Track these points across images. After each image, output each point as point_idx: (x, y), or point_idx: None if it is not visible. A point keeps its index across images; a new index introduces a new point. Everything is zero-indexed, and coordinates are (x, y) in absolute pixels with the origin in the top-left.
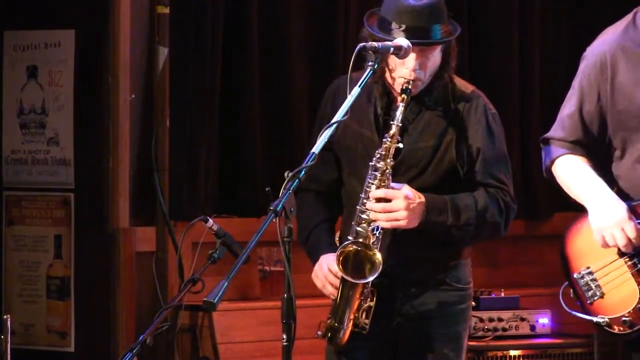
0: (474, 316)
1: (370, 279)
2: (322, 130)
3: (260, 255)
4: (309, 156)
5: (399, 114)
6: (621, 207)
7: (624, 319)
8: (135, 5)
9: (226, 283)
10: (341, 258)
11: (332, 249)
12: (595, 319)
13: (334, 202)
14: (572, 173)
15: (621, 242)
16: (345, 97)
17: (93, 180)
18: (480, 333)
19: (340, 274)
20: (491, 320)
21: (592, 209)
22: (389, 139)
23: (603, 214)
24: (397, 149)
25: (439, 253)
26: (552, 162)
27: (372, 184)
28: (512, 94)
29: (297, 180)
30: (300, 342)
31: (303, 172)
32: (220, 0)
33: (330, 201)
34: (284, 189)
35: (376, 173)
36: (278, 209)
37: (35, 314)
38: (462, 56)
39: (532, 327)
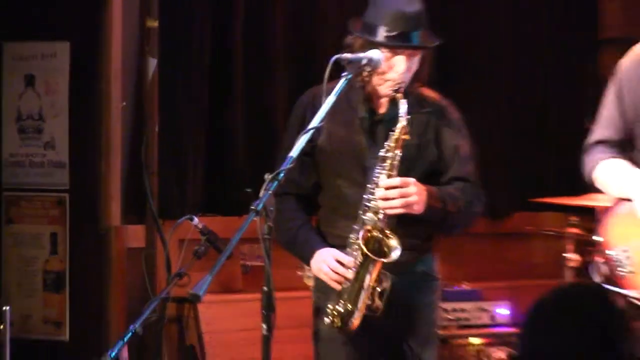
0: (440, 307)
1: (394, 257)
2: (300, 136)
3: (242, 251)
4: (287, 160)
5: (405, 108)
6: None
7: None
8: (126, 19)
9: (210, 277)
10: (364, 241)
11: (325, 244)
12: (627, 292)
13: (310, 204)
14: (615, 171)
15: None
16: (320, 107)
17: (86, 181)
18: (445, 323)
19: (354, 260)
20: (455, 310)
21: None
22: (397, 131)
23: None
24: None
25: (418, 243)
26: (594, 167)
27: (382, 173)
28: (474, 99)
29: (276, 182)
30: (279, 331)
31: (282, 175)
32: (206, 14)
33: (307, 203)
34: (264, 190)
35: (384, 164)
36: (259, 208)
37: (32, 306)
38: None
39: (492, 317)
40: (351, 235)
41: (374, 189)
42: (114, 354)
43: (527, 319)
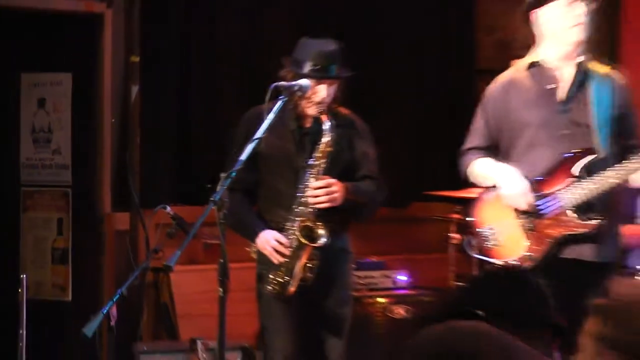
0: (353, 274)
1: (322, 243)
2: (246, 144)
3: (204, 232)
4: (238, 162)
5: (328, 126)
6: (524, 182)
7: (513, 262)
8: (115, 56)
9: (179, 252)
10: (300, 229)
11: (267, 227)
12: (493, 261)
13: (252, 197)
14: (484, 167)
15: (523, 207)
16: (259, 125)
17: (85, 179)
18: (358, 286)
19: (290, 242)
20: (365, 277)
21: (504, 183)
22: (323, 145)
23: (512, 186)
24: (330, 152)
25: (336, 226)
26: (468, 166)
27: (311, 177)
28: (384, 117)
29: (229, 179)
30: (232, 293)
31: (234, 174)
32: (175, 55)
33: (250, 197)
34: (220, 185)
35: (313, 170)
36: (216, 199)
37: (43, 274)
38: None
39: (394, 282)
40: (288, 224)
41: (305, 189)
42: (105, 310)
43: (476, 281)
